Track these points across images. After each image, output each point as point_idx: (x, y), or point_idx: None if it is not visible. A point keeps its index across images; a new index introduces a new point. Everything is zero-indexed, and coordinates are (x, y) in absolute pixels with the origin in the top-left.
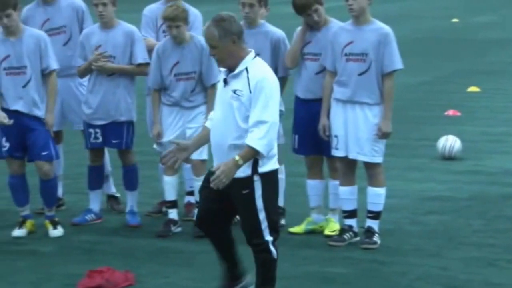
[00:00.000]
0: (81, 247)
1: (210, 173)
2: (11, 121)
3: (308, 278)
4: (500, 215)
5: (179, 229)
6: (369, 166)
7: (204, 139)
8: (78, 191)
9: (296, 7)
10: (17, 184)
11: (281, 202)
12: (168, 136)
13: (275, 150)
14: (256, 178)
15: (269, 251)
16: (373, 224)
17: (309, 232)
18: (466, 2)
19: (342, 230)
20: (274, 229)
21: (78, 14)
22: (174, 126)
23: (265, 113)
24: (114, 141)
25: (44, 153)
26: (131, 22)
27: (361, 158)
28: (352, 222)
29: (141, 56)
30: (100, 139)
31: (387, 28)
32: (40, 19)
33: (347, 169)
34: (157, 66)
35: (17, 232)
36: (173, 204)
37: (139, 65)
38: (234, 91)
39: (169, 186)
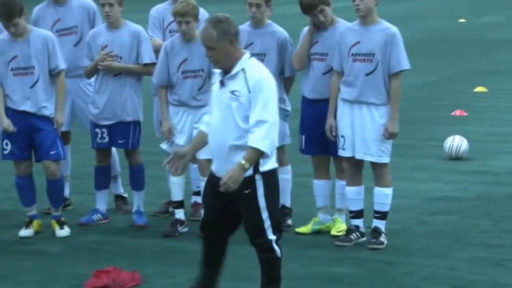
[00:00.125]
0: (88, 247)
1: (211, 177)
2: (15, 129)
3: (315, 278)
4: (507, 215)
5: (185, 229)
6: (375, 166)
7: (201, 143)
8: (85, 191)
9: (302, 7)
10: (24, 184)
11: (287, 202)
12: (175, 136)
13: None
14: (257, 177)
15: (273, 250)
16: (380, 224)
17: (316, 232)
18: (473, 2)
19: (349, 230)
20: (277, 228)
21: (89, 15)
22: (181, 127)
23: (265, 112)
24: (120, 141)
25: (52, 153)
26: (138, 22)
27: (368, 158)
28: (358, 222)
29: (147, 56)
30: (107, 139)
31: (394, 28)
32: (51, 19)
33: (354, 169)
34: (165, 62)
35: (24, 232)
36: (179, 204)
37: (146, 65)
38: (232, 92)
39: (176, 186)
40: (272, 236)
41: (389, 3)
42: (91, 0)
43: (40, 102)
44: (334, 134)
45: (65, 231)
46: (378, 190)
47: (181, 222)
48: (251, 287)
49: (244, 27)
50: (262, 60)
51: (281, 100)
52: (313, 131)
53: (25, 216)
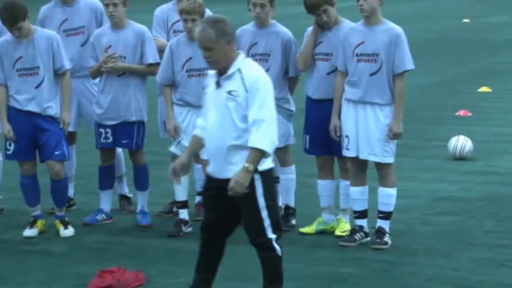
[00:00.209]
0: (92, 247)
1: (209, 180)
2: (15, 137)
3: (319, 278)
4: (511, 216)
5: (190, 229)
6: (380, 166)
7: (197, 147)
8: (89, 191)
9: (306, 7)
10: (28, 184)
11: (291, 203)
12: (181, 137)
13: None
14: (256, 176)
15: (273, 249)
16: (384, 224)
17: (320, 233)
18: (477, 2)
19: (353, 231)
20: (277, 226)
21: (96, 15)
22: (185, 127)
23: (262, 111)
24: (124, 141)
25: (56, 153)
26: (142, 22)
27: (372, 158)
28: (363, 222)
29: (151, 56)
30: (111, 139)
31: (398, 29)
32: (58, 19)
33: (358, 169)
34: (169, 61)
35: (28, 232)
36: (183, 204)
37: (150, 65)
38: (229, 92)
39: (180, 187)
40: (272, 235)
41: (393, 3)
42: (98, 0)
43: (45, 102)
44: (338, 134)
45: (69, 231)
46: (382, 190)
47: (185, 222)
48: (252, 287)
49: (248, 27)
50: (266, 60)
51: (285, 100)
52: (318, 131)
53: (29, 216)
